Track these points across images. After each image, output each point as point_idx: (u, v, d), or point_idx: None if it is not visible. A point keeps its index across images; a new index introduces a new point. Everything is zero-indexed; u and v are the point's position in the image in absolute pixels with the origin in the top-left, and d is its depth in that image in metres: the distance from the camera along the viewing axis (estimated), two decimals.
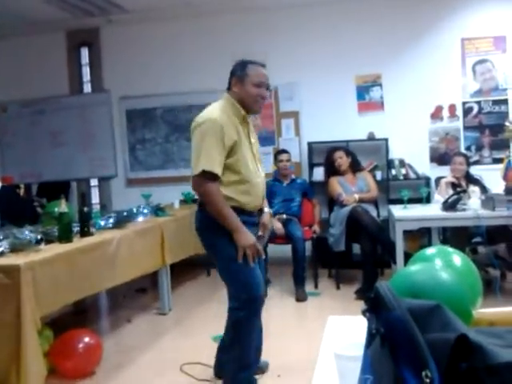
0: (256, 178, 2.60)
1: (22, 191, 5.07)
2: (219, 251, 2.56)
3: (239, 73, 2.58)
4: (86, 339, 3.11)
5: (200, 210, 2.59)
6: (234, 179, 2.51)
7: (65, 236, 3.13)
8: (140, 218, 4.17)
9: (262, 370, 2.99)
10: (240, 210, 2.52)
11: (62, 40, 6.44)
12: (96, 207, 6.26)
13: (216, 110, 2.52)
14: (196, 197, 4.66)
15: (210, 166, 2.40)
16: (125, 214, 4.01)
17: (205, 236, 2.61)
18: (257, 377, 2.73)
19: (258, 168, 2.66)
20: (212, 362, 2.93)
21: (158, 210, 4.50)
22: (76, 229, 3.36)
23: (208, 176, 2.41)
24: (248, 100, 2.57)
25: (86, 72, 6.54)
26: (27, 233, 2.95)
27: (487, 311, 1.03)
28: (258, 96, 2.57)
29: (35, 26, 6.13)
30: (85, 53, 6.51)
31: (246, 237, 2.46)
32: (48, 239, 3.09)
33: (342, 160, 4.98)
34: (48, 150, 6.46)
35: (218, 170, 2.42)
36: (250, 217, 2.62)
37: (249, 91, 2.55)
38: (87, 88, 6.57)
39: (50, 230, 3.19)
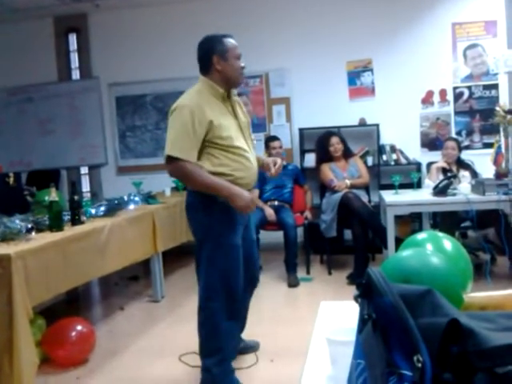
0: (247, 154, 2.54)
1: (11, 180, 5.01)
2: (202, 235, 2.51)
3: (219, 48, 2.50)
4: (79, 327, 3.11)
5: (190, 191, 2.56)
6: (226, 156, 2.45)
7: (56, 225, 3.11)
8: (131, 206, 4.15)
9: (255, 349, 3.05)
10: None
11: (49, 26, 6.34)
12: (86, 195, 6.23)
13: (189, 95, 2.49)
14: None
15: (176, 151, 2.36)
16: (116, 202, 3.99)
17: (191, 216, 2.56)
18: (251, 359, 2.76)
19: (249, 146, 2.61)
20: None
21: (149, 198, 4.49)
22: (67, 217, 3.34)
23: (178, 160, 2.36)
24: (234, 74, 2.53)
25: (75, 58, 6.45)
26: (18, 222, 2.93)
27: (478, 295, 1.04)
28: (240, 68, 2.55)
29: (22, 12, 6.03)
30: (73, 39, 6.42)
31: (243, 198, 2.39)
32: (39, 228, 3.08)
33: (338, 146, 4.98)
34: (37, 138, 6.40)
35: (185, 155, 2.36)
36: None
37: (234, 65, 2.52)
38: (76, 75, 6.49)
39: (40, 219, 3.18)
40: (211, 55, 2.51)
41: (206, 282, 2.52)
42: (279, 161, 2.73)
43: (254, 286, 2.88)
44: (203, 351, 2.58)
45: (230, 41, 2.55)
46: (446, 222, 4.37)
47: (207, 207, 2.46)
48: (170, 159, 2.38)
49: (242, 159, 2.50)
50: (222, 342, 2.54)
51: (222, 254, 2.49)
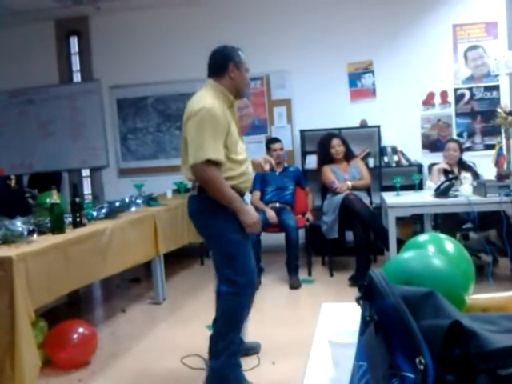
0: (247, 160, 2.68)
1: (13, 182, 5.02)
2: (218, 234, 2.59)
3: (237, 59, 2.63)
4: (81, 329, 3.11)
5: (199, 194, 2.59)
6: (234, 162, 2.56)
7: (57, 227, 3.12)
8: (133, 208, 4.16)
9: (256, 350, 3.07)
10: (237, 191, 2.56)
11: (50, 29, 6.35)
12: (88, 198, 6.23)
13: (209, 98, 2.53)
14: (189, 186, 4.67)
15: (214, 154, 2.43)
16: (117, 204, 3.99)
17: (202, 219, 2.63)
18: (253, 361, 2.76)
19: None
20: (207, 350, 2.95)
21: (150, 200, 4.49)
22: (68, 220, 3.35)
23: (212, 163, 2.44)
24: (242, 85, 2.68)
25: (76, 61, 6.46)
26: (19, 224, 2.93)
27: (480, 297, 1.04)
28: (248, 82, 2.76)
29: (23, 15, 6.04)
30: (74, 42, 6.43)
31: (251, 216, 2.54)
32: (40, 230, 3.08)
33: (339, 148, 4.98)
34: (38, 141, 6.41)
35: (221, 158, 2.46)
36: (241, 197, 2.67)
37: (244, 76, 2.67)
38: (77, 77, 6.50)
39: (42, 222, 3.18)
40: (228, 62, 2.61)
41: (231, 277, 2.58)
42: (270, 158, 2.92)
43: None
44: (218, 341, 2.61)
45: (242, 53, 2.70)
46: (447, 223, 4.37)
47: (215, 211, 2.53)
48: (206, 162, 2.43)
49: (244, 165, 2.62)
50: (237, 335, 2.62)
51: (238, 249, 2.58)
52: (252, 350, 3.06)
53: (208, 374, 2.63)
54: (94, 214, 3.69)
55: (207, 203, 2.54)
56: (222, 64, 2.61)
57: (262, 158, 2.91)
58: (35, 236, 2.94)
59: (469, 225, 4.45)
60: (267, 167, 2.85)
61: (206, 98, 2.52)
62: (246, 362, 2.94)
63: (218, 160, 2.43)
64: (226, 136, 2.50)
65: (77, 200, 3.41)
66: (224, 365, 2.58)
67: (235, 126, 2.64)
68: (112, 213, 3.79)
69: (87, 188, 6.56)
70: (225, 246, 2.59)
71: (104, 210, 3.77)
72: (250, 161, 2.73)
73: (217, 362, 2.59)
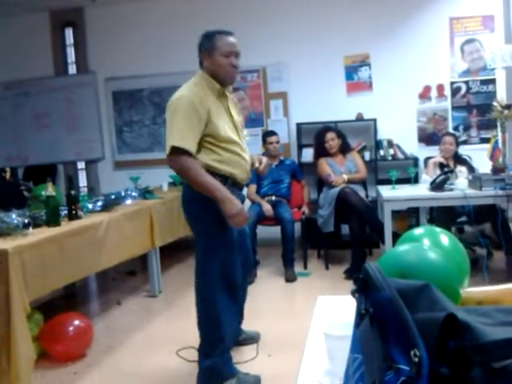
0: (241, 151, 2.57)
1: (8, 175, 5.00)
2: (200, 230, 2.55)
3: (207, 45, 2.53)
4: (76, 322, 3.12)
5: (185, 184, 2.57)
6: (218, 147, 2.47)
7: (53, 220, 3.11)
8: (128, 201, 4.15)
9: (256, 340, 3.09)
10: (228, 182, 2.50)
11: (45, 20, 6.31)
12: (83, 190, 6.21)
13: (188, 87, 2.49)
14: None
15: (180, 142, 2.34)
16: (113, 197, 3.99)
17: (188, 208, 2.59)
18: (249, 353, 2.76)
19: (243, 143, 2.64)
20: None
21: (146, 193, 4.48)
22: (64, 212, 3.34)
23: (181, 152, 2.35)
24: (220, 72, 2.52)
25: (71, 53, 6.43)
26: (14, 217, 2.92)
27: (474, 290, 1.04)
28: (228, 66, 2.52)
29: (18, 6, 5.99)
30: (69, 33, 6.39)
31: (233, 205, 2.38)
32: (36, 223, 3.07)
33: (333, 142, 4.96)
34: (33, 133, 6.37)
35: (189, 145, 2.35)
36: (239, 190, 2.64)
37: (219, 63, 2.50)
38: (72, 69, 6.46)
39: (37, 214, 3.17)
40: (200, 52, 2.57)
41: (205, 274, 2.54)
42: (264, 159, 2.76)
43: (250, 272, 2.99)
44: (205, 341, 2.59)
45: (223, 38, 2.53)
46: (442, 217, 4.38)
47: (204, 201, 2.45)
48: (173, 150, 2.36)
49: (236, 155, 2.53)
50: (223, 331, 2.56)
51: (219, 247, 2.52)
52: (252, 339, 3.09)
53: (200, 371, 2.59)
54: (90, 206, 3.68)
55: (191, 195, 2.49)
56: (199, 54, 2.58)
57: (256, 156, 2.79)
58: (31, 229, 2.93)
59: (464, 218, 4.46)
60: (261, 168, 2.71)
61: (184, 89, 2.48)
62: (243, 354, 2.96)
63: (183, 148, 2.33)
64: (207, 123, 2.42)
65: (72, 193, 3.40)
66: (217, 361, 2.55)
67: (228, 115, 2.58)
68: (108, 205, 3.79)
69: (83, 181, 6.54)
70: (206, 246, 2.53)
71: (100, 203, 3.76)
72: (247, 153, 2.64)
73: (208, 360, 2.55)
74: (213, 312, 2.54)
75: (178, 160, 2.37)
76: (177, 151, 2.35)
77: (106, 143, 6.34)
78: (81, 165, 6.57)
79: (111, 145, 6.34)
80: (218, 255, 2.51)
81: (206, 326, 2.59)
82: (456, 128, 5.59)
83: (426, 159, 5.11)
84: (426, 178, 4.56)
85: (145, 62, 6.05)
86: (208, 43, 2.52)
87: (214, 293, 2.53)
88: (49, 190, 3.14)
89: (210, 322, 2.57)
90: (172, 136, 2.36)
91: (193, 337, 3.17)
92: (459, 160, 4.78)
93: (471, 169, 4.68)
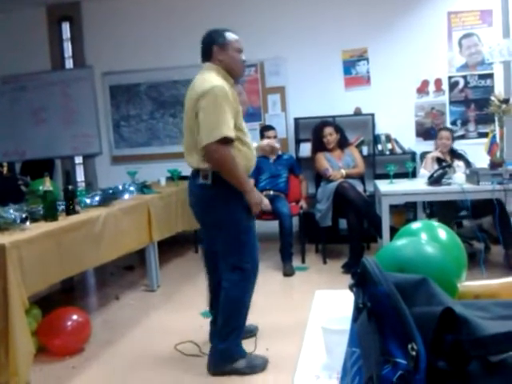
0: (249, 141, 2.68)
1: (5, 170, 4.99)
2: (229, 224, 2.62)
3: (221, 40, 2.61)
4: (75, 317, 3.12)
5: (213, 183, 2.57)
6: (242, 143, 2.58)
7: (50, 214, 3.10)
8: (126, 196, 4.15)
9: (254, 333, 3.13)
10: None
11: (42, 15, 6.27)
12: (81, 185, 6.21)
13: (213, 77, 2.54)
14: (183, 174, 4.65)
15: (229, 131, 2.44)
16: (110, 191, 3.98)
17: (211, 210, 2.63)
18: (247, 347, 2.78)
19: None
20: (201, 337, 2.98)
21: (144, 188, 4.48)
22: (61, 207, 3.33)
23: (223, 142, 2.43)
24: (235, 66, 2.63)
25: (68, 47, 6.40)
26: (12, 212, 2.92)
27: (472, 284, 1.05)
28: (240, 61, 2.66)
29: (14, 1, 5.96)
30: (66, 28, 6.35)
31: (257, 195, 2.62)
32: (33, 218, 3.07)
33: (331, 137, 4.96)
34: (31, 128, 6.35)
35: (233, 135, 2.47)
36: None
37: (233, 56, 2.62)
38: (69, 64, 6.43)
39: (35, 209, 3.16)
40: (211, 45, 2.62)
41: (238, 264, 2.63)
42: (274, 143, 3.02)
43: None
44: (225, 325, 2.66)
45: (231, 34, 2.66)
46: (444, 211, 4.38)
47: (228, 200, 2.57)
48: (219, 140, 2.42)
49: (248, 146, 2.64)
50: (243, 318, 2.71)
51: (247, 233, 2.64)
52: (250, 332, 3.12)
53: (215, 353, 2.69)
54: (88, 201, 3.68)
55: (221, 194, 2.56)
56: (208, 48, 2.63)
57: (266, 142, 3.02)
58: (28, 223, 2.93)
59: (465, 212, 4.47)
60: (276, 146, 2.98)
61: (214, 78, 2.53)
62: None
63: (232, 137, 2.46)
64: (236, 116, 2.52)
65: (70, 187, 3.40)
66: (231, 345, 2.66)
67: (239, 107, 2.67)
68: (105, 200, 3.78)
69: (80, 175, 6.53)
70: (236, 234, 2.63)
71: (97, 198, 3.76)
72: (254, 143, 2.76)
73: (224, 343, 2.65)
74: (241, 299, 2.66)
75: (224, 150, 2.45)
76: (222, 141, 2.42)
77: (103, 138, 6.33)
78: (78, 159, 6.55)
79: (108, 139, 6.33)
80: (247, 241, 2.64)
81: (230, 311, 2.67)
82: (454, 122, 5.59)
83: (422, 154, 5.11)
84: (424, 172, 4.56)
85: (142, 56, 6.02)
86: (221, 38, 2.62)
87: (246, 281, 2.65)
88: (46, 184, 3.14)
89: (235, 308, 2.67)
90: (221, 125, 2.41)
91: (191, 330, 3.19)
92: (455, 154, 4.79)
93: (468, 163, 4.69)
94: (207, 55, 2.64)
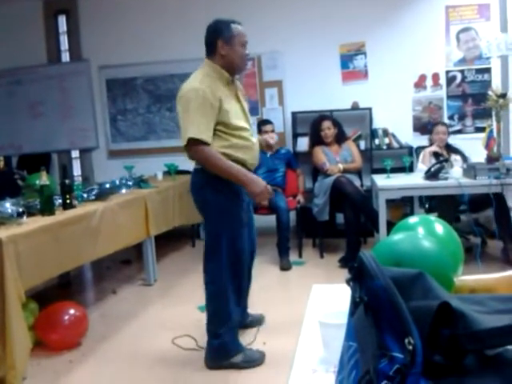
0: (250, 137, 2.66)
1: (1, 164, 4.98)
2: (213, 211, 2.60)
3: (226, 34, 2.56)
4: (72, 311, 3.12)
5: (197, 170, 2.61)
6: (233, 137, 2.56)
7: (47, 208, 3.10)
8: (123, 190, 4.14)
9: (260, 322, 3.16)
10: (241, 165, 2.58)
11: (38, 8, 6.23)
12: (78, 179, 6.19)
13: (198, 77, 2.54)
14: (180, 168, 4.68)
15: (197, 133, 2.42)
16: (107, 185, 3.98)
17: (201, 194, 2.63)
18: (245, 341, 2.78)
19: (252, 130, 2.72)
20: (198, 331, 2.98)
21: (141, 182, 4.47)
22: (58, 201, 3.33)
23: (198, 143, 2.44)
24: (237, 60, 2.60)
25: (64, 40, 6.36)
26: (8, 206, 2.91)
27: (468, 278, 1.05)
28: (244, 56, 2.62)
29: None
30: (62, 21, 6.32)
31: (258, 184, 2.53)
32: (30, 212, 3.06)
33: (329, 131, 4.96)
34: (27, 122, 6.33)
35: (205, 136, 2.44)
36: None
37: (238, 51, 2.58)
38: (65, 57, 6.40)
39: (31, 203, 3.16)
40: (216, 39, 2.57)
41: (216, 257, 2.61)
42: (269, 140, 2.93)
43: (253, 257, 3.03)
44: (213, 318, 2.67)
45: (238, 27, 2.60)
46: (443, 206, 4.38)
47: (214, 185, 2.55)
48: (192, 142, 2.44)
49: (247, 141, 2.61)
50: (231, 310, 2.66)
51: (229, 224, 2.60)
52: (257, 322, 3.15)
53: (210, 351, 2.70)
54: (84, 195, 3.67)
55: (208, 177, 2.55)
56: (212, 41, 2.60)
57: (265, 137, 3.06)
58: (25, 218, 2.92)
59: (464, 207, 4.47)
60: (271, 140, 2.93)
61: (194, 79, 2.53)
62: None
63: (199, 139, 2.43)
64: (219, 112, 2.49)
65: (66, 181, 3.39)
66: (224, 340, 2.66)
67: (236, 102, 2.64)
68: (102, 194, 3.77)
69: (77, 169, 6.51)
70: (214, 225, 2.61)
71: (94, 192, 3.75)
72: (255, 139, 2.74)
73: (217, 339, 2.66)
74: (221, 290, 2.64)
75: (198, 151, 2.47)
76: (195, 142, 2.43)
77: (100, 132, 6.31)
78: (75, 154, 6.53)
79: (105, 133, 6.31)
80: (228, 231, 2.59)
81: (213, 303, 2.67)
82: (451, 117, 5.59)
83: (418, 148, 5.11)
84: (422, 167, 4.57)
85: (139, 50, 5.99)
86: (227, 31, 2.56)
87: (223, 276, 2.62)
88: (43, 178, 3.13)
89: (217, 299, 2.66)
90: (189, 128, 2.43)
91: (188, 324, 3.19)
92: (451, 149, 4.79)
93: (464, 158, 4.70)
94: (211, 49, 2.60)
